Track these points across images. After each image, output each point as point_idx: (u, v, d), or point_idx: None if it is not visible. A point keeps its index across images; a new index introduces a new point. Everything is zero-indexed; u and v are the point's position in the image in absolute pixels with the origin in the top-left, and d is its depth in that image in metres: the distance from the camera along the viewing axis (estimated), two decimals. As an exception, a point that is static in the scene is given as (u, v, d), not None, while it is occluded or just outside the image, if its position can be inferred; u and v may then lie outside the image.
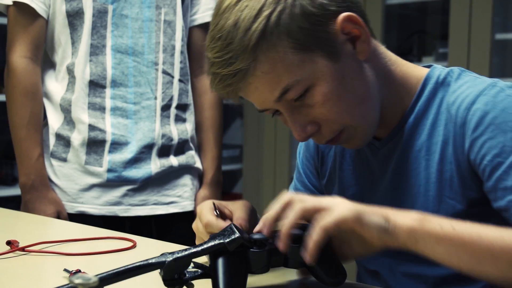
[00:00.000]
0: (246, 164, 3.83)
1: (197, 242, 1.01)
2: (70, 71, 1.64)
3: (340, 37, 0.93)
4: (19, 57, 1.62)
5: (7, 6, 1.64)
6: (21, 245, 1.09)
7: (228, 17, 0.90)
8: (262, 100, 0.94)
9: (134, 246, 1.14)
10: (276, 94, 0.92)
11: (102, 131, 1.64)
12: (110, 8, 1.64)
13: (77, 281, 0.63)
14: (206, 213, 0.97)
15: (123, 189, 1.66)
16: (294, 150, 3.80)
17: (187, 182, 1.75)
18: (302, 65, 0.91)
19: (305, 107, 0.93)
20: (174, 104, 1.72)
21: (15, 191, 2.89)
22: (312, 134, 0.95)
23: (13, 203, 2.95)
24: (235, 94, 0.93)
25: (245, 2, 0.90)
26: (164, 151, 1.70)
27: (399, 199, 1.00)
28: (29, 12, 1.62)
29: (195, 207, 1.75)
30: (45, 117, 1.68)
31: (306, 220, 0.85)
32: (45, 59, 1.70)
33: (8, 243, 1.08)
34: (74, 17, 1.63)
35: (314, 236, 0.81)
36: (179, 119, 1.74)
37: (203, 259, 0.90)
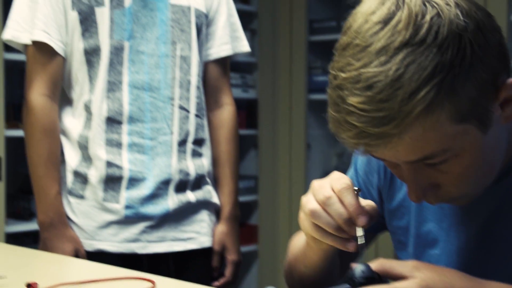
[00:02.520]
0: (261, 195, 3.82)
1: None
2: (87, 107, 1.65)
3: (496, 104, 0.82)
4: (38, 95, 1.63)
5: (26, 45, 1.65)
6: (40, 287, 1.08)
7: (385, 63, 0.77)
8: (392, 158, 0.83)
9: (153, 287, 1.13)
10: (414, 158, 0.81)
11: (119, 167, 1.64)
12: (127, 44, 1.65)
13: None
14: (312, 201, 0.90)
15: (140, 226, 1.66)
16: (309, 180, 3.78)
17: (204, 217, 1.74)
18: (454, 136, 0.80)
19: (433, 170, 0.84)
20: (190, 139, 1.72)
21: (32, 226, 2.89)
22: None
23: (30, 238, 2.95)
24: (363, 148, 0.82)
25: (409, 56, 0.77)
26: (181, 187, 1.70)
27: (484, 258, 0.92)
28: (47, 51, 1.63)
29: (212, 243, 1.74)
30: (62, 154, 1.69)
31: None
32: (62, 96, 1.71)
33: (28, 286, 1.07)
34: (91, 54, 1.64)
35: None
36: (196, 154, 1.74)
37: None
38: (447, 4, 0.79)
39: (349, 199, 0.88)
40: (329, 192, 0.90)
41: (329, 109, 0.83)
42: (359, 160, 1.11)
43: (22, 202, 3.02)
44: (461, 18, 0.79)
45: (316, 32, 3.84)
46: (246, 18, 3.58)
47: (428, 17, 0.78)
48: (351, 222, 0.88)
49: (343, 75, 0.79)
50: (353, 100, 0.78)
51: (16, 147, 2.97)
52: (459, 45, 0.77)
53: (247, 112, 3.84)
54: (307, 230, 0.93)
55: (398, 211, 1.05)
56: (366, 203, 0.92)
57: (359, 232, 0.87)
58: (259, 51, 3.76)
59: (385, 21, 0.79)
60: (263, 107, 3.85)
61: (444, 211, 0.97)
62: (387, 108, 0.76)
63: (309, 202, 0.92)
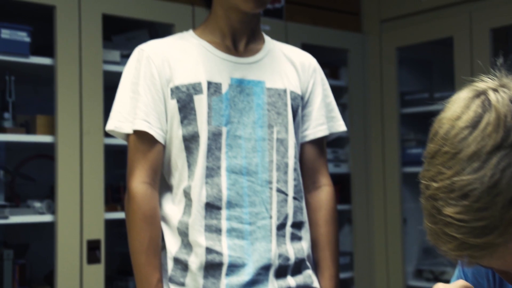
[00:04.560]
0: (357, 272, 3.72)
1: None
2: (186, 194, 1.66)
3: None
4: (139, 183, 1.65)
5: (127, 134, 1.69)
6: None
7: (479, 170, 0.74)
8: (500, 266, 0.79)
9: None
10: None
11: (219, 253, 1.63)
12: (224, 130, 1.66)
13: None
14: None
15: (241, 313, 1.63)
16: (407, 257, 3.67)
17: (306, 304, 1.70)
18: None
19: None
20: (289, 222, 1.69)
21: (130, 308, 2.91)
22: None
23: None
24: (467, 259, 0.78)
25: (504, 159, 0.73)
26: (281, 272, 1.66)
27: None
28: (148, 139, 1.66)
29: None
30: (162, 240, 1.69)
31: None
32: (162, 183, 1.72)
33: None
34: (190, 141, 1.66)
35: None
36: (295, 238, 1.70)
37: None
38: None
39: None
40: None
41: (425, 221, 0.80)
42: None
43: (120, 283, 3.05)
44: None
45: (407, 104, 3.79)
46: (336, 93, 3.56)
47: None
48: None
49: (435, 184, 0.77)
50: (449, 210, 0.74)
51: (114, 228, 3.03)
52: None
53: (340, 186, 3.80)
54: None
55: None
56: None
57: None
58: (350, 125, 3.74)
59: (473, 125, 0.76)
60: (356, 182, 3.80)
61: None
62: (488, 216, 0.72)
63: None
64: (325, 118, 1.82)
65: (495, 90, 0.78)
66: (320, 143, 1.83)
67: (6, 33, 2.59)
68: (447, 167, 0.76)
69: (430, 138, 0.81)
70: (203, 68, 1.68)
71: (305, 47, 3.37)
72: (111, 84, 2.59)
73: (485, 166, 0.73)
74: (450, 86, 3.55)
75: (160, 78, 1.66)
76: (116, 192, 3.06)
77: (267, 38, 1.82)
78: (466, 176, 0.74)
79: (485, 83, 0.81)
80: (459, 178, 0.74)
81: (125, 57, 2.92)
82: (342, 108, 3.74)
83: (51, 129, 2.73)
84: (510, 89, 0.78)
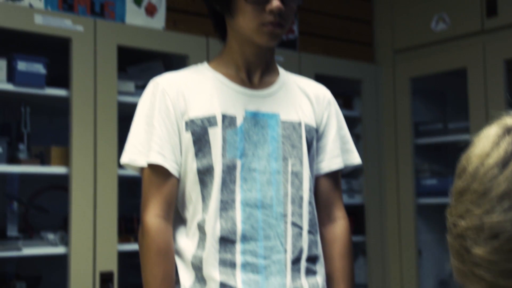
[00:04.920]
0: (372, 305, 3.68)
1: None
2: (200, 227, 1.65)
3: None
4: (153, 216, 1.64)
5: (142, 168, 1.69)
6: None
7: (510, 210, 0.72)
8: None
9: None
10: None
11: (234, 288, 1.61)
12: (239, 163, 1.65)
13: None
14: None
15: None
16: (423, 288, 3.63)
17: None
18: None
19: None
20: (304, 256, 1.67)
21: None
22: None
23: None
24: None
25: None
26: (296, 307, 1.64)
27: None
28: (162, 172, 1.65)
29: None
30: (176, 274, 1.67)
31: None
32: (175, 216, 1.71)
33: None
34: (205, 174, 1.66)
35: None
36: (310, 272, 1.69)
37: None
38: None
39: None
40: None
41: (452, 260, 0.78)
42: None
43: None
44: None
45: (422, 135, 3.78)
46: (349, 123, 3.55)
47: None
48: None
49: (463, 223, 0.75)
50: (478, 250, 0.73)
51: (127, 259, 3.02)
52: None
53: (353, 218, 3.77)
54: None
55: None
56: None
57: None
58: (364, 155, 3.72)
59: (503, 164, 0.74)
60: (370, 213, 3.77)
61: None
62: None
63: None
64: (340, 151, 1.81)
65: None
66: (335, 176, 1.82)
67: (22, 65, 2.61)
68: (477, 205, 0.74)
69: (458, 174, 0.80)
70: (218, 101, 1.68)
71: (319, 77, 3.38)
72: (125, 115, 2.59)
73: None
74: (464, 117, 3.54)
75: (174, 111, 1.67)
76: (129, 223, 3.05)
77: (281, 71, 1.82)
78: (496, 216, 0.72)
79: None
80: (489, 218, 0.72)
81: (140, 88, 2.93)
82: (356, 138, 3.73)
83: (65, 160, 2.74)
84: None
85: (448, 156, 3.87)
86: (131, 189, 3.16)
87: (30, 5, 2.84)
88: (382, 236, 3.77)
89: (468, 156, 0.79)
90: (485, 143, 0.78)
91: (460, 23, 3.58)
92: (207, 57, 2.99)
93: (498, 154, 0.76)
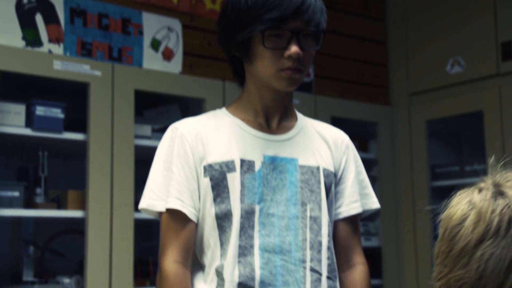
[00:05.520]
0: None
1: None
2: (219, 273, 1.63)
3: None
4: (171, 262, 1.63)
5: (160, 213, 1.68)
6: None
7: (466, 265, 0.81)
8: None
9: None
10: None
11: (252, 334, 1.59)
12: (257, 208, 1.65)
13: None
14: None
15: None
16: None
17: None
18: None
19: None
20: (323, 302, 1.65)
21: None
22: None
23: None
24: None
25: (487, 250, 0.79)
26: None
27: None
28: (181, 218, 1.65)
29: None
30: (194, 321, 1.66)
31: None
32: (193, 261, 1.70)
33: None
34: (223, 219, 1.65)
35: None
36: (329, 318, 1.66)
37: None
38: None
39: None
40: None
41: None
42: None
43: None
44: None
45: (438, 177, 3.76)
46: (366, 165, 3.53)
47: (498, 210, 0.81)
48: None
49: (438, 284, 0.84)
50: None
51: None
52: None
53: (370, 261, 3.73)
54: None
55: None
56: None
57: None
58: (380, 198, 3.68)
59: (461, 223, 0.83)
60: (387, 256, 3.73)
61: None
62: None
63: None
64: (358, 195, 1.80)
65: (482, 189, 0.86)
66: (354, 221, 1.80)
67: (41, 110, 2.63)
68: (444, 265, 0.83)
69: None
70: (236, 146, 1.68)
71: (334, 120, 3.38)
72: (142, 158, 2.60)
73: (471, 260, 0.79)
74: (481, 159, 3.52)
75: (193, 156, 1.67)
76: (145, 266, 3.03)
77: (299, 115, 1.82)
78: (457, 272, 0.80)
79: (483, 182, 0.89)
80: (452, 275, 0.81)
81: (156, 131, 2.95)
82: (372, 180, 3.69)
83: (82, 204, 2.74)
84: (499, 185, 0.86)
85: (465, 199, 3.82)
86: (147, 232, 3.15)
87: (50, 51, 2.88)
88: (399, 279, 3.72)
89: (441, 219, 0.89)
90: (452, 206, 0.88)
91: (475, 66, 3.59)
92: (224, 101, 3.01)
93: (457, 215, 0.84)
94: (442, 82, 3.74)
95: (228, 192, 1.64)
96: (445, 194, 3.35)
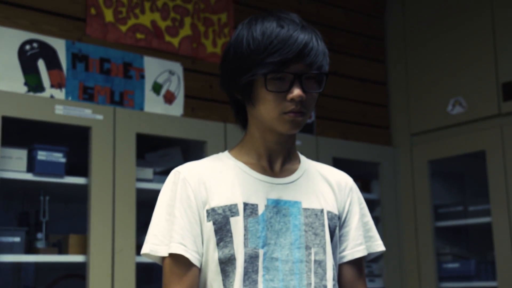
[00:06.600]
0: None
1: None
2: (223, 319, 1.61)
3: None
4: (174, 307, 1.61)
5: (163, 257, 1.66)
6: None
7: None
8: None
9: None
10: None
11: None
12: (261, 252, 1.63)
13: None
14: None
15: None
16: None
17: None
18: None
19: None
20: None
21: None
22: None
23: None
24: None
25: None
26: None
27: None
28: (184, 262, 1.63)
29: None
30: None
31: None
32: (197, 307, 1.68)
33: None
34: (226, 264, 1.63)
35: None
36: None
37: None
38: None
39: None
40: None
41: None
42: None
43: None
44: None
45: (442, 217, 3.73)
46: (368, 206, 3.53)
47: None
48: None
49: None
50: None
51: None
52: None
53: (375, 304, 3.69)
54: None
55: None
56: None
57: None
58: (383, 239, 3.66)
59: None
60: (392, 298, 3.69)
61: None
62: None
63: None
64: (363, 238, 1.78)
65: None
66: (359, 264, 1.78)
67: (42, 155, 2.63)
68: None
69: None
70: (239, 190, 1.67)
71: (336, 161, 3.38)
72: (144, 201, 2.59)
73: None
74: (484, 199, 3.50)
75: (196, 200, 1.66)
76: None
77: (302, 158, 1.82)
78: None
79: None
80: None
81: (158, 174, 2.94)
82: (375, 221, 3.68)
83: (83, 249, 2.72)
84: None
85: (469, 239, 3.81)
86: (148, 276, 3.12)
87: (52, 96, 2.89)
88: (405, 322, 3.67)
89: None
90: None
91: (476, 106, 3.60)
92: (225, 143, 3.01)
93: None
94: (443, 122, 3.74)
95: (231, 237, 1.63)
96: (449, 234, 3.34)
